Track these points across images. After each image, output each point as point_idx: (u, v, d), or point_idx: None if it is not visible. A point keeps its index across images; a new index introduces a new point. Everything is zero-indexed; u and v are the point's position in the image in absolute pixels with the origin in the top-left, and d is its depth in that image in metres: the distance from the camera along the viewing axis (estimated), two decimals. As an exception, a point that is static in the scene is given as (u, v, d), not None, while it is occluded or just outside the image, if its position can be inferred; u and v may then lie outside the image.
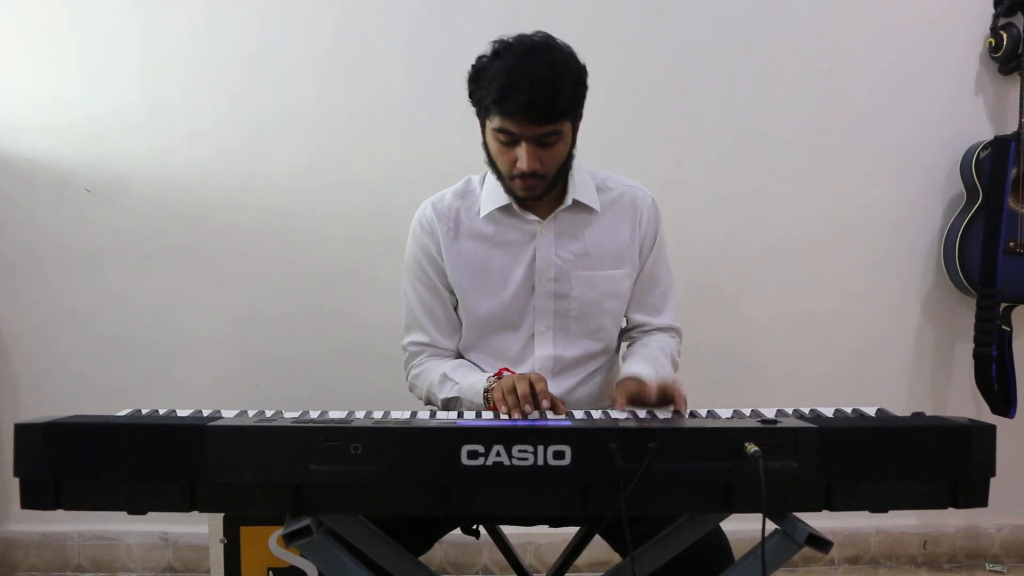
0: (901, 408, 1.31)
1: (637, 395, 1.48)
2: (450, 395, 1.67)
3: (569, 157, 1.64)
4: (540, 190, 1.61)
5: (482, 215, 1.70)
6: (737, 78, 2.65)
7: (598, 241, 1.72)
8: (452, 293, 1.74)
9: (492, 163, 1.64)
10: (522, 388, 1.41)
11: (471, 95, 1.60)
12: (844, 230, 2.72)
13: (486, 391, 1.55)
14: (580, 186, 1.70)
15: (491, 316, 1.72)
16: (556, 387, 1.70)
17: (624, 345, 1.85)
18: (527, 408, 1.38)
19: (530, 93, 1.47)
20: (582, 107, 1.61)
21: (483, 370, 1.69)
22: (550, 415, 1.37)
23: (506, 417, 1.37)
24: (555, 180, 1.63)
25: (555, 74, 1.51)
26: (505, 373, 1.58)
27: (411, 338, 1.78)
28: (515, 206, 1.68)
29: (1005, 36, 2.60)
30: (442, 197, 1.76)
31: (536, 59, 1.51)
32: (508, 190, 1.65)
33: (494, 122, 1.54)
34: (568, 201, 1.69)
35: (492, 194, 1.70)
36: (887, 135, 2.70)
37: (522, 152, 1.54)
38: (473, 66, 1.59)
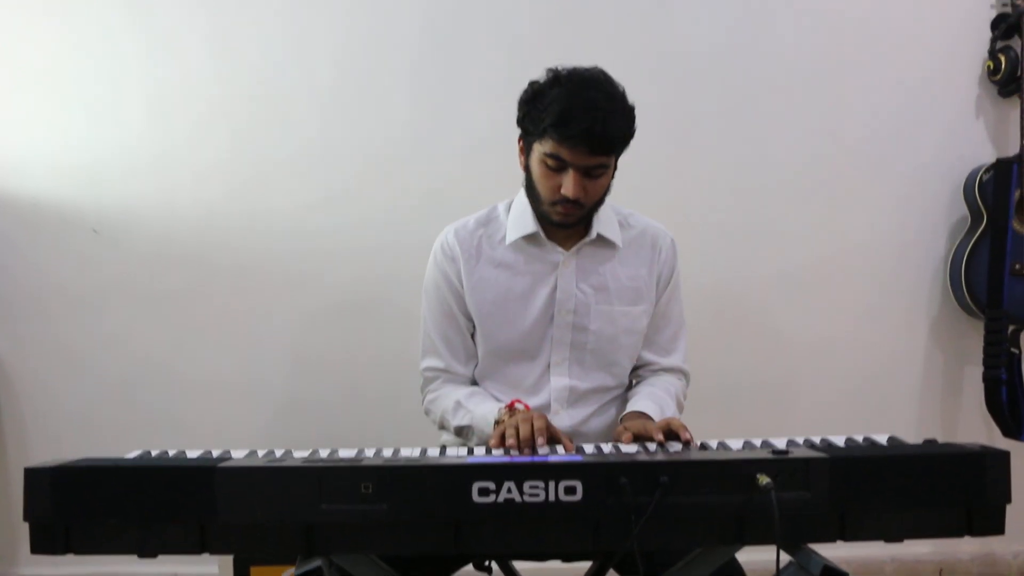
0: (912, 433, 1.31)
1: (642, 433, 1.48)
2: (462, 423, 1.68)
3: (606, 193, 1.66)
4: (576, 219, 1.64)
5: (508, 242, 1.72)
6: (740, 108, 2.66)
7: (618, 277, 1.74)
8: (470, 320, 1.75)
9: (531, 188, 1.66)
10: (524, 431, 1.41)
11: (524, 117, 1.62)
12: (850, 256, 2.72)
13: (497, 422, 1.57)
14: (604, 221, 1.72)
15: (509, 344, 1.73)
16: (570, 417, 1.72)
17: (633, 383, 1.86)
18: (527, 452, 1.38)
19: (590, 121, 1.49)
20: (628, 145, 1.62)
21: (498, 399, 1.70)
22: (560, 449, 1.37)
23: (515, 453, 1.37)
24: (589, 214, 1.66)
25: (614, 106, 1.54)
26: (517, 404, 1.59)
27: (427, 363, 1.79)
28: (541, 234, 1.70)
29: (1003, 59, 2.61)
30: (465, 224, 1.78)
31: (597, 89, 1.54)
32: (543, 215, 1.66)
33: (546, 146, 1.55)
34: (592, 235, 1.70)
35: (519, 221, 1.71)
36: (890, 160, 2.71)
37: (568, 179, 1.55)
38: (529, 89, 1.61)
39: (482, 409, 1.64)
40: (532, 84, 1.61)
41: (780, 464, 1.13)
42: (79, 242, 2.56)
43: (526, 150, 1.64)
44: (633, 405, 1.67)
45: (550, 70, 1.60)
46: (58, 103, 2.53)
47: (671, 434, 1.42)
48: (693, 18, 2.63)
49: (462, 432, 1.70)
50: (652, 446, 1.39)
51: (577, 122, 1.50)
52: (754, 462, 1.13)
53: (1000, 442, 2.63)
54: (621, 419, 1.67)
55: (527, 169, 1.66)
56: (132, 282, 2.58)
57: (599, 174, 1.58)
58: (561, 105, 1.51)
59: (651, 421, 1.56)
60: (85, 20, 2.51)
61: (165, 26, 2.53)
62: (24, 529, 1.14)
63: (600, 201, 1.66)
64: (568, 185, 1.55)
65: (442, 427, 1.79)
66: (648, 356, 1.81)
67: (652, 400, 1.66)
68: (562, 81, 1.56)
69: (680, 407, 1.77)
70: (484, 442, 1.61)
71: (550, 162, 1.56)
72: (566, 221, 1.64)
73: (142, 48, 2.53)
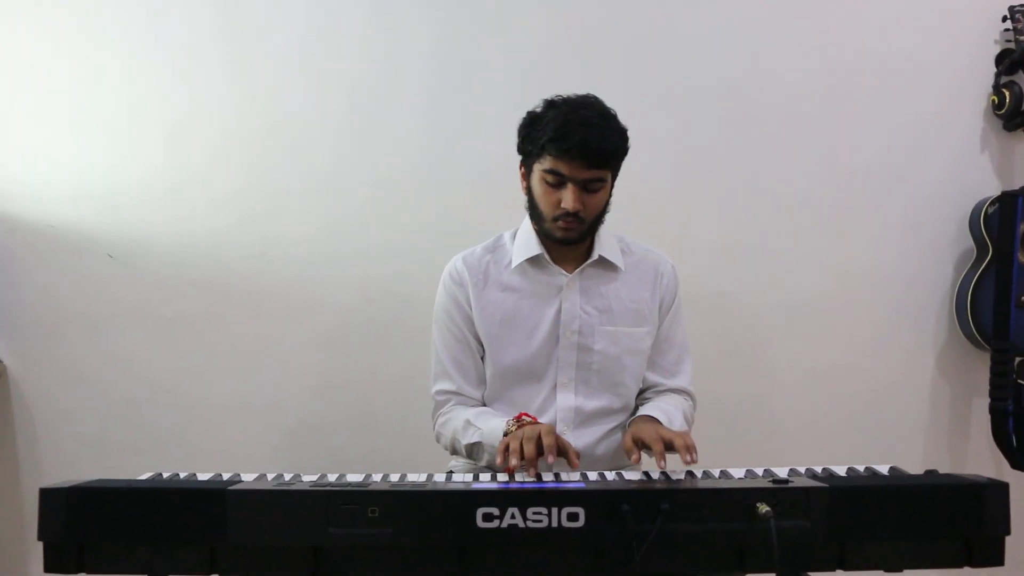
0: (918, 464, 1.31)
1: (650, 439, 1.50)
2: (472, 440, 1.70)
3: (605, 209, 1.73)
4: (577, 234, 1.69)
5: (513, 266, 1.78)
6: (747, 140, 2.68)
7: (620, 299, 1.79)
8: (480, 344, 1.79)
9: (533, 208, 1.73)
10: (528, 451, 1.43)
11: (523, 141, 1.71)
12: (857, 287, 2.73)
13: (506, 435, 1.59)
14: (606, 245, 1.79)
15: (516, 365, 1.77)
16: (577, 440, 1.74)
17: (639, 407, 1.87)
18: (532, 471, 1.41)
19: (585, 135, 1.59)
20: (622, 163, 1.71)
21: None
22: (564, 476, 1.39)
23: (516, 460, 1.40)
24: (590, 229, 1.72)
25: (607, 123, 1.65)
26: (525, 418, 1.62)
27: (439, 387, 1.82)
28: (545, 256, 1.76)
29: (1007, 94, 2.63)
30: (472, 251, 1.85)
31: (591, 109, 1.65)
32: (546, 233, 1.72)
33: (544, 163, 1.64)
34: (594, 255, 1.76)
35: (524, 246, 1.78)
36: (897, 192, 2.73)
37: (568, 193, 1.63)
38: (527, 116, 1.72)
39: (491, 425, 1.67)
40: (529, 112, 1.71)
41: (780, 493, 1.15)
42: (94, 267, 2.59)
43: (527, 173, 1.73)
44: (642, 411, 1.73)
45: (545, 99, 1.70)
46: (77, 132, 2.57)
47: (670, 447, 1.45)
48: (701, 54, 2.67)
49: (473, 450, 1.72)
50: (655, 473, 1.40)
51: (572, 136, 1.59)
52: (754, 491, 1.15)
53: (1009, 474, 2.62)
54: (628, 424, 1.70)
55: (529, 191, 1.73)
56: (146, 306, 2.60)
57: (596, 188, 1.65)
58: (557, 123, 1.61)
59: (661, 426, 1.59)
60: (105, 51, 2.55)
61: (183, 57, 2.57)
62: (37, 548, 1.16)
63: (599, 217, 1.73)
64: (568, 198, 1.63)
65: (454, 451, 1.81)
66: (653, 378, 1.85)
67: (660, 411, 1.71)
68: (557, 104, 1.67)
69: (688, 425, 1.80)
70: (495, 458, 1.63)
71: (549, 178, 1.64)
72: (568, 236, 1.69)
73: (160, 78, 2.57)
